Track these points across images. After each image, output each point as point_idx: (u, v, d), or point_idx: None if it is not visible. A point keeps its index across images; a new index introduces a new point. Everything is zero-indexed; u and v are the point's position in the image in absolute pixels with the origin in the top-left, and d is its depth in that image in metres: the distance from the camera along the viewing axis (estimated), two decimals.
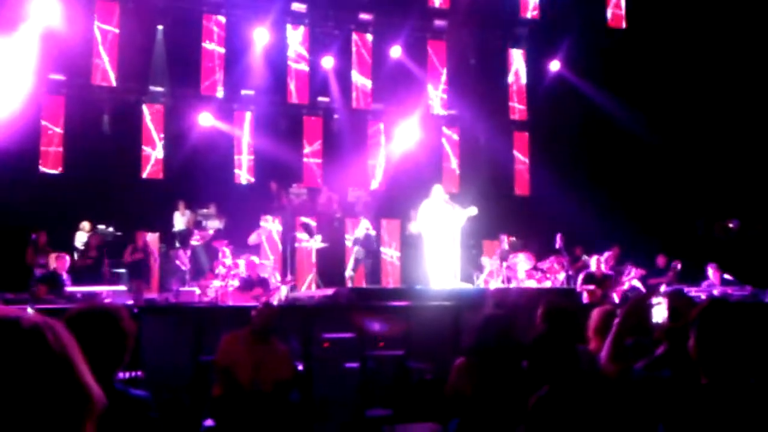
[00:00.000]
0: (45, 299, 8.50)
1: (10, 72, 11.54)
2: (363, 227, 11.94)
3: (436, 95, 15.57)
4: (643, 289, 11.41)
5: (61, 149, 12.76)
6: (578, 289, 10.38)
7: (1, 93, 11.33)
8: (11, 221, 10.75)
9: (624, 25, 16.03)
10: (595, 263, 10.69)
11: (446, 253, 10.83)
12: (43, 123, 12.69)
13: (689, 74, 14.63)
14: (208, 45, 13.88)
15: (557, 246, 11.55)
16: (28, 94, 11.85)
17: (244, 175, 14.13)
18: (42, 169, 12.61)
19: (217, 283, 10.16)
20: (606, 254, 11.51)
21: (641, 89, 14.89)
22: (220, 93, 13.91)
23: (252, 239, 11.55)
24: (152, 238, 12.09)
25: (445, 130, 15.75)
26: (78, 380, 1.17)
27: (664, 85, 14.81)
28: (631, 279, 11.52)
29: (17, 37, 11.65)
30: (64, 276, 9.60)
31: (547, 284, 11.46)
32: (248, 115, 14.28)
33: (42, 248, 10.50)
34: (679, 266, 12.21)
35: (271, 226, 12.58)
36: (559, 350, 3.11)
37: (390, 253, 14.75)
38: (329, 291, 10.12)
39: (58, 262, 9.75)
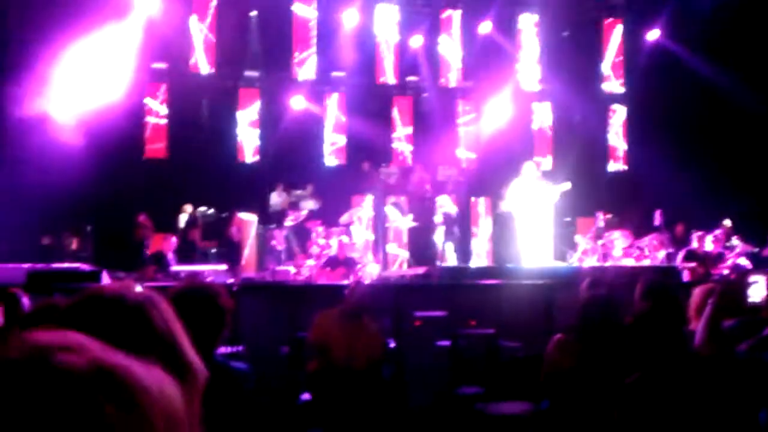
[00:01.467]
0: (152, 278, 9.01)
1: (116, 61, 12.16)
2: (443, 202, 11.91)
3: (528, 70, 15.23)
4: (749, 267, 10.85)
5: (164, 135, 13.40)
6: (678, 267, 10.00)
7: (108, 82, 11.97)
8: (119, 205, 11.41)
9: None
10: (697, 240, 10.24)
11: (538, 232, 10.67)
12: (147, 110, 13.34)
13: None
14: (299, 28, 14.13)
15: (656, 223, 11.14)
16: (132, 82, 12.47)
17: (335, 156, 14.36)
18: (148, 154, 13.28)
19: (310, 262, 10.43)
20: (717, 231, 11.00)
21: (747, 57, 14.01)
22: (311, 75, 14.15)
23: (344, 219, 11.77)
24: (250, 218, 12.52)
25: (536, 105, 15.41)
26: (181, 354, 1.25)
27: None
28: (737, 256, 10.98)
29: (123, 27, 12.25)
30: (170, 256, 10.12)
31: (646, 262, 11.09)
32: (338, 97, 14.48)
33: (146, 229, 11.08)
34: None
35: (362, 209, 12.74)
36: (664, 330, 3.03)
37: (481, 232, 14.65)
38: (420, 270, 10.19)
39: (165, 243, 10.29)
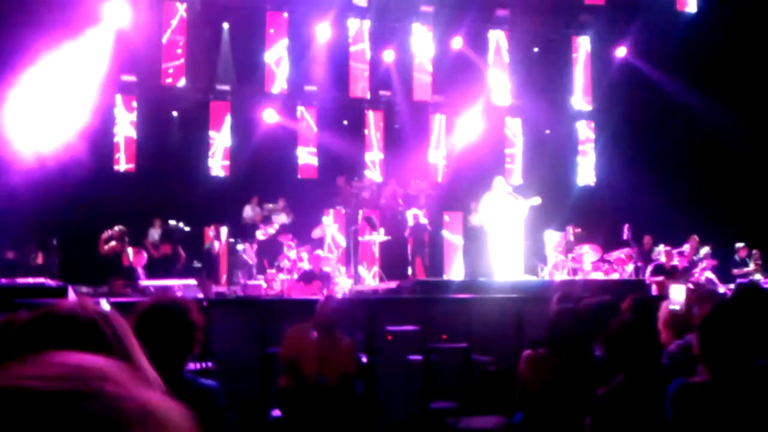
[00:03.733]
0: (120, 293, 8.85)
1: (84, 74, 12.00)
2: (411, 214, 11.93)
3: (498, 86, 15.39)
4: (716, 281, 11.04)
5: (133, 148, 13.24)
6: (647, 281, 10.12)
7: (76, 94, 11.80)
8: (88, 219, 11.22)
9: (694, 8, 15.45)
10: (665, 254, 10.39)
11: (509, 246, 10.73)
12: (116, 123, 13.18)
13: (762, 57, 13.99)
14: (271, 42, 14.11)
15: (625, 237, 11.28)
16: (101, 95, 12.31)
17: (307, 170, 14.32)
18: (116, 167, 13.10)
19: (282, 276, 10.35)
20: (685, 246, 11.18)
21: (712, 74, 14.34)
22: (283, 89, 14.13)
23: (316, 233, 11.72)
24: (220, 233, 12.40)
25: (507, 120, 15.57)
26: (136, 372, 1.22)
27: (737, 69, 14.21)
28: (704, 270, 11.16)
29: (89, 39, 12.11)
30: (139, 270, 9.97)
31: (615, 276, 11.21)
32: (311, 111, 14.47)
33: (116, 243, 10.90)
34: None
35: (330, 223, 12.70)
36: (643, 340, 3.07)
37: (452, 246, 14.70)
38: (393, 284, 10.17)
39: (136, 258, 10.13)
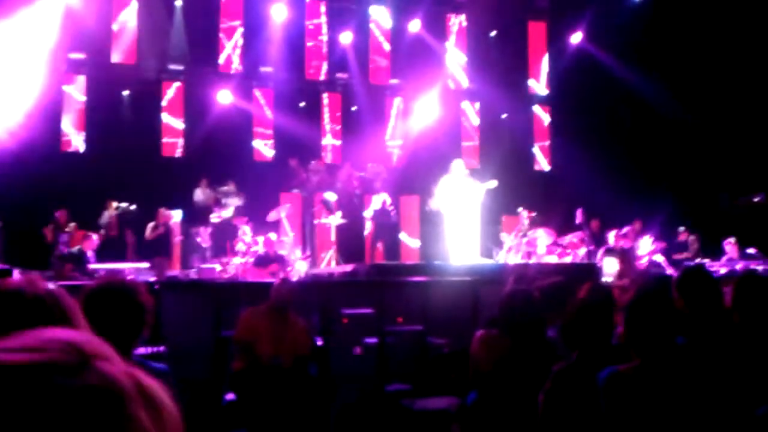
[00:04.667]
0: (69, 276, 8.64)
1: (30, 52, 11.60)
2: (380, 200, 11.92)
3: (455, 70, 15.42)
4: (664, 264, 11.32)
5: (82, 128, 12.88)
6: (598, 264, 10.31)
7: (22, 73, 11.40)
8: (35, 200, 10.90)
9: None
10: (614, 238, 10.59)
11: (466, 229, 10.80)
12: (64, 102, 12.79)
13: (714, 45, 14.32)
14: (226, 21, 13.85)
15: (578, 221, 11.47)
16: (49, 73, 11.92)
17: (263, 153, 14.16)
18: (64, 148, 12.73)
19: (237, 260, 10.24)
20: (626, 228, 11.40)
21: (664, 61, 14.62)
22: (238, 70, 13.90)
23: (271, 216, 11.60)
24: (173, 215, 12.19)
25: (464, 105, 15.62)
26: None
27: (688, 57, 14.51)
28: (652, 253, 11.42)
29: (38, 15, 11.68)
30: (90, 254, 9.73)
31: (568, 259, 11.40)
32: (267, 92, 14.28)
33: (63, 226, 10.63)
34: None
35: (290, 206, 12.59)
36: (599, 320, 3.12)
37: (409, 229, 14.74)
38: (348, 267, 10.16)
39: (86, 242, 9.88)
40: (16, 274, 7.35)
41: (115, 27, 13.02)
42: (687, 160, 14.67)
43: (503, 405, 3.71)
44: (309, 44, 14.42)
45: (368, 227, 12.12)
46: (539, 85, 15.94)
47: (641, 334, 2.46)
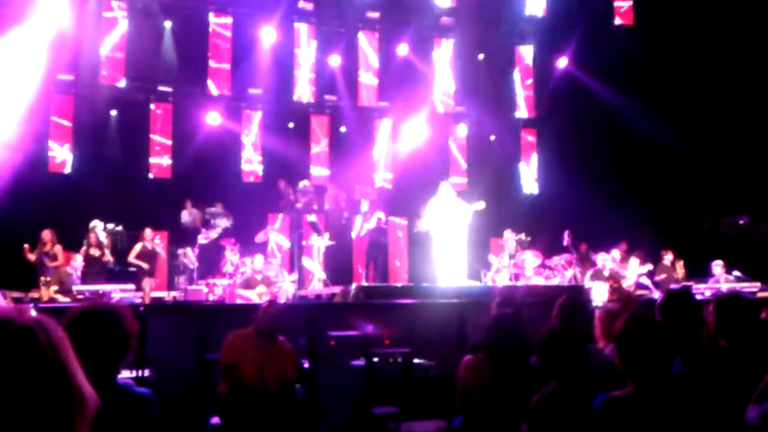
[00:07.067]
0: (53, 298, 8.56)
1: (19, 72, 11.58)
2: (375, 218, 11.94)
3: (443, 93, 15.53)
4: (651, 286, 11.37)
5: (70, 149, 12.83)
6: (586, 287, 10.35)
7: (10, 93, 11.38)
8: (19, 220, 10.81)
9: (631, 22, 15.92)
10: (601, 260, 10.65)
11: (454, 251, 10.82)
12: (53, 122, 12.76)
13: (697, 70, 14.53)
14: (215, 44, 13.90)
15: (565, 243, 11.52)
16: (37, 94, 11.90)
17: (251, 174, 14.15)
18: (51, 168, 12.67)
19: (224, 281, 10.19)
20: (613, 251, 11.46)
21: (649, 86, 14.80)
22: (226, 92, 13.93)
23: (259, 237, 11.58)
24: (160, 236, 12.14)
25: (452, 128, 15.72)
26: (69, 381, 1.18)
27: (672, 81, 14.71)
28: (640, 276, 11.47)
29: (26, 37, 11.69)
30: (74, 275, 9.66)
31: (555, 281, 11.43)
32: (256, 114, 14.31)
33: (48, 246, 10.55)
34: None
35: (278, 227, 12.58)
36: (569, 347, 3.11)
37: (397, 251, 14.74)
38: (336, 289, 10.13)
39: (70, 262, 9.81)
40: (0, 296, 7.28)
41: (104, 48, 13.04)
42: (671, 182, 14.80)
43: (489, 430, 3.71)
44: (297, 67, 14.49)
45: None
46: (526, 109, 16.07)
47: (634, 361, 2.45)
